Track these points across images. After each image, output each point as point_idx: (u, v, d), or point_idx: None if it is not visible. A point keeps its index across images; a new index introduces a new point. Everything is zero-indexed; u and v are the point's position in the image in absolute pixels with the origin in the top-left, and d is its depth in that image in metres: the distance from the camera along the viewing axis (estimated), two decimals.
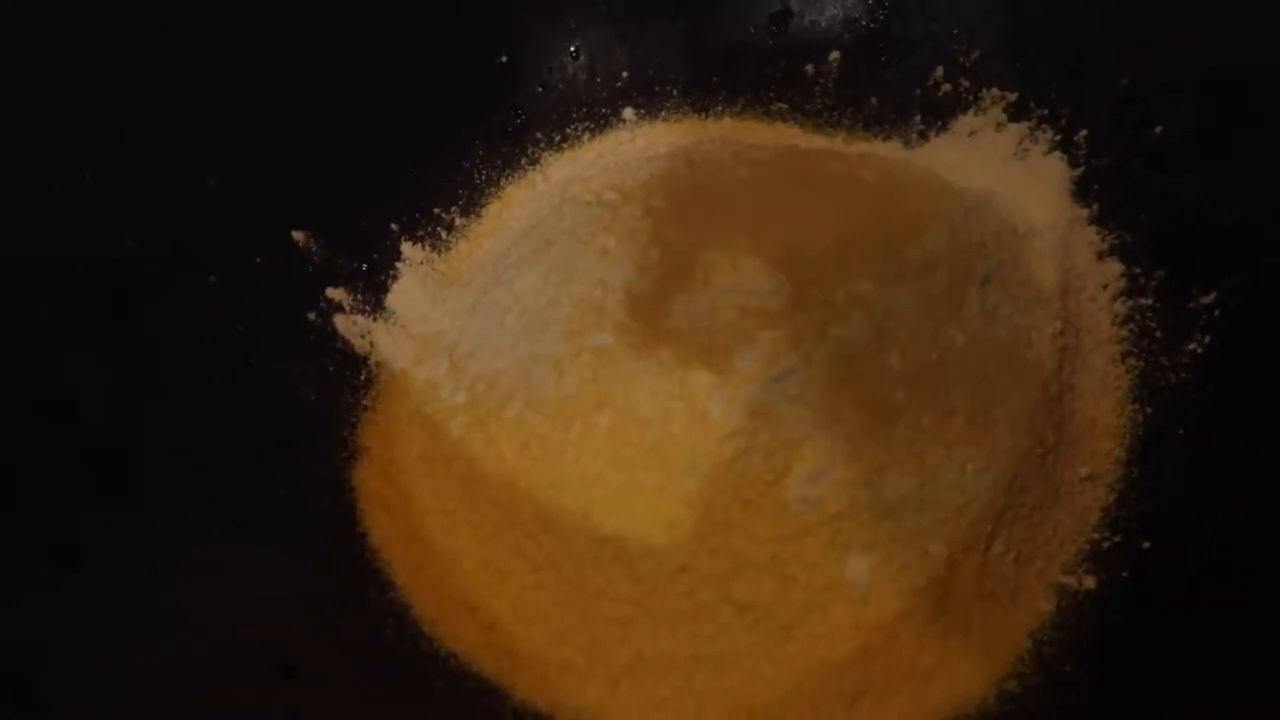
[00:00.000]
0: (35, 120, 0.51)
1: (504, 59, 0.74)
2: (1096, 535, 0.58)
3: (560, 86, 0.76)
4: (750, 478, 0.52)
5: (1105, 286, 0.68)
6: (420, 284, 0.67)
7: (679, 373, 0.54)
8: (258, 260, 0.59)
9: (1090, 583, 0.56)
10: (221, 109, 0.60)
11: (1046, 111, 0.73)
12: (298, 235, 0.62)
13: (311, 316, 0.61)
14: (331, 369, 0.61)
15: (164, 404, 0.50)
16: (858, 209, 0.59)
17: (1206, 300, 0.62)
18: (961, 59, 0.76)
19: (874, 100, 0.77)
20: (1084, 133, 0.71)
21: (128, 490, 0.46)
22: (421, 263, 0.68)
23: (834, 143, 0.78)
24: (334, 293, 0.63)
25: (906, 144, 0.77)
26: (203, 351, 0.54)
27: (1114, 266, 0.68)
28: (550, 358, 0.57)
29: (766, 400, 0.53)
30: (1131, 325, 0.65)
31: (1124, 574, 0.56)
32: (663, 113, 0.79)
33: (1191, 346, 0.62)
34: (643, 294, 0.56)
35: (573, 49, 0.77)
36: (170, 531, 0.46)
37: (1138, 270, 0.67)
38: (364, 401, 0.61)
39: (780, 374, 0.54)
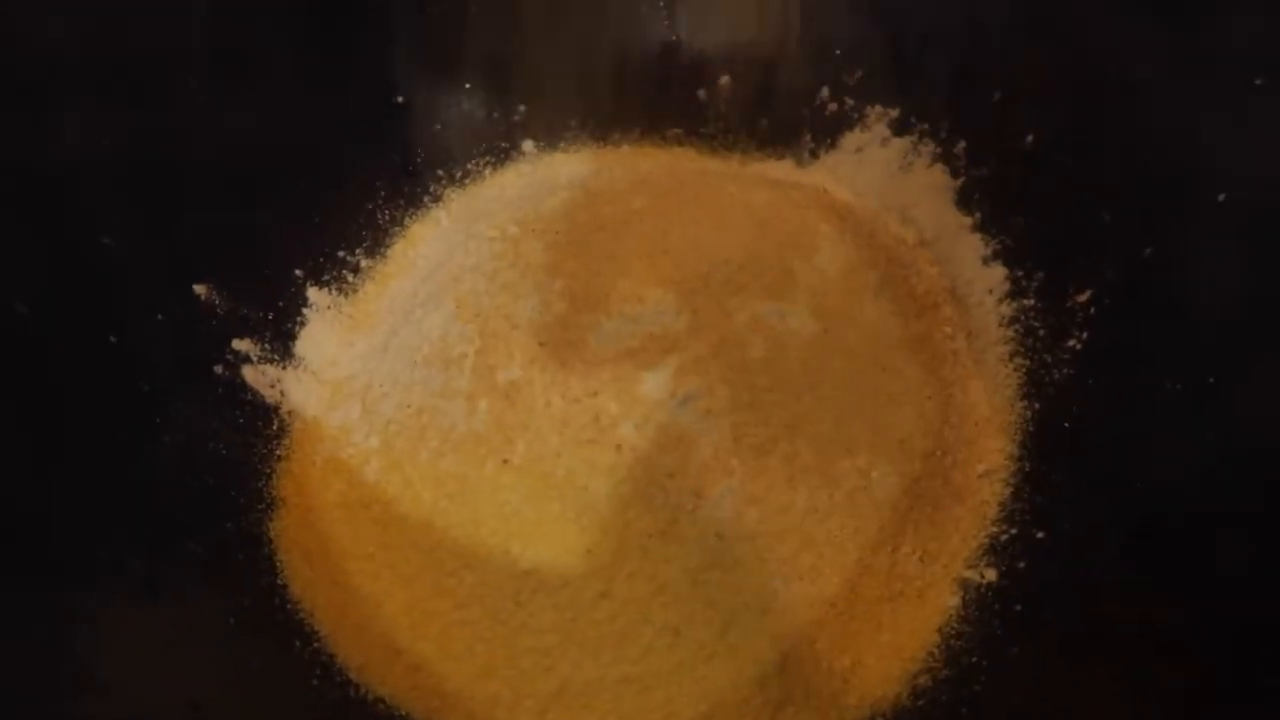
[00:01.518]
0: None
1: (399, 99, 0.74)
2: (995, 529, 0.61)
3: (458, 123, 0.77)
4: (664, 501, 0.54)
5: (991, 290, 0.71)
6: (329, 329, 0.67)
7: (588, 401, 0.55)
8: (159, 317, 0.59)
9: (991, 575, 0.58)
10: (113, 162, 0.59)
11: (927, 126, 0.76)
12: (199, 289, 0.62)
13: (219, 370, 0.61)
14: (242, 421, 0.61)
15: (67, 467, 0.50)
16: (753, 230, 0.61)
17: (1083, 298, 0.65)
18: (845, 78, 0.78)
19: (765, 121, 0.80)
20: (962, 144, 0.74)
21: (31, 556, 0.45)
22: (329, 307, 0.68)
23: (730, 164, 0.80)
24: (240, 344, 0.63)
25: (799, 162, 0.80)
26: (107, 413, 0.53)
27: (998, 270, 0.71)
28: (461, 394, 0.58)
29: (675, 424, 0.55)
30: (1017, 326, 0.69)
31: (1021, 564, 0.59)
32: (561, 143, 0.80)
33: (1072, 343, 0.65)
34: (548, 326, 0.57)
35: (468, 85, 0.77)
36: (77, 597, 0.45)
37: (1020, 273, 0.70)
38: (277, 451, 0.61)
39: (686, 397, 0.55)
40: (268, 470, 0.60)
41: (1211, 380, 0.55)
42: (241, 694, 0.47)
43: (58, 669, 0.42)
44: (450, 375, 0.58)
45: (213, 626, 0.50)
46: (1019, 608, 0.56)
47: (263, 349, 0.64)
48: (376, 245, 0.73)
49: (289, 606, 0.54)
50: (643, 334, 0.56)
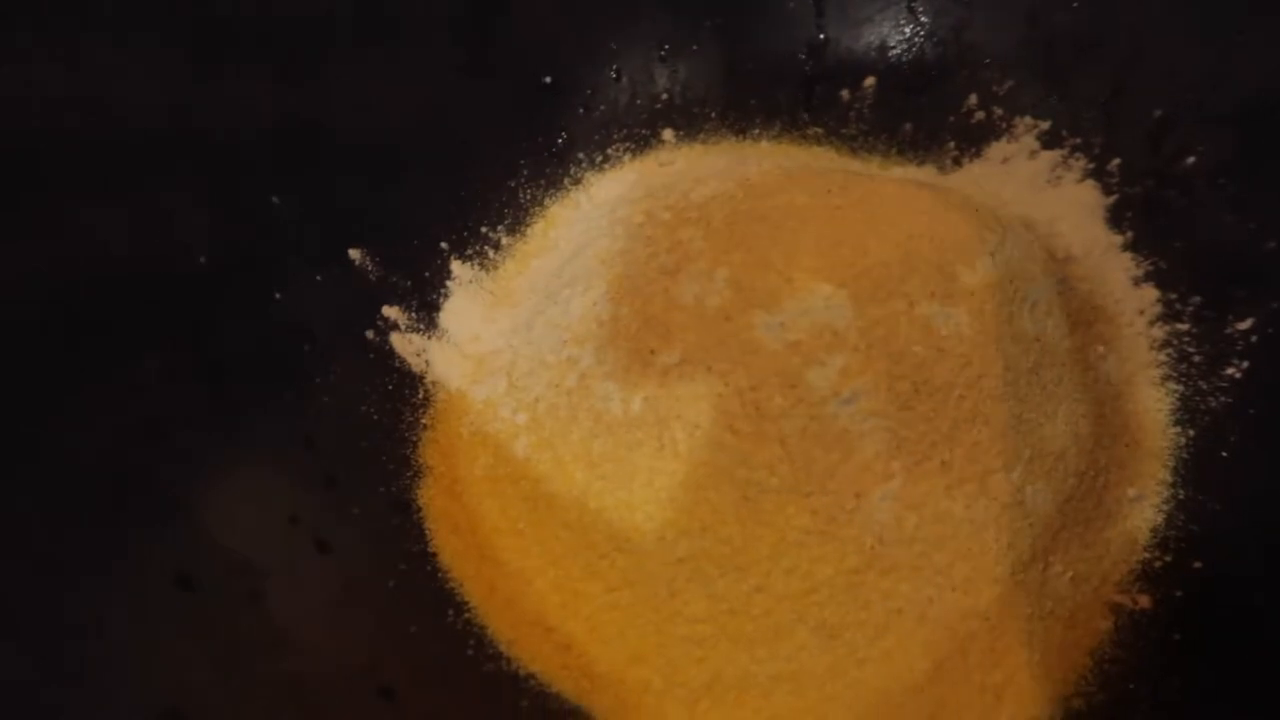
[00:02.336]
0: (110, 138, 0.51)
1: (547, 80, 0.74)
2: (1148, 555, 0.59)
3: (602, 107, 0.77)
4: (823, 499, 0.53)
5: (1142, 312, 0.69)
6: (471, 302, 0.67)
7: (751, 394, 0.54)
8: (319, 278, 0.59)
9: (1145, 601, 0.57)
10: (282, 128, 0.60)
11: (1079, 140, 0.74)
12: (354, 253, 0.62)
13: (370, 335, 0.61)
14: (391, 387, 0.61)
15: (244, 421, 0.50)
16: (915, 231, 0.60)
17: (1243, 326, 0.64)
18: (995, 88, 0.77)
19: (908, 126, 0.79)
20: (1117, 161, 0.73)
21: (220, 508, 0.45)
22: (471, 281, 0.68)
23: (870, 166, 0.79)
24: (390, 311, 0.63)
25: (940, 169, 0.78)
26: (275, 370, 0.54)
27: (1150, 292, 0.69)
28: (616, 377, 0.57)
29: (837, 422, 0.54)
30: (1169, 350, 0.67)
31: (1178, 593, 0.57)
32: (701, 134, 0.80)
33: (1230, 371, 0.63)
34: (710, 314, 0.57)
35: (613, 71, 0.77)
36: (262, 551, 0.45)
37: (1173, 296, 0.68)
38: (423, 420, 0.61)
39: (850, 395, 0.54)
40: (414, 438, 0.60)
41: None
42: (407, 660, 0.47)
43: (259, 631, 0.42)
44: (604, 357, 0.58)
45: (376, 589, 0.50)
46: (1177, 637, 0.55)
47: (410, 318, 0.64)
48: (517, 224, 0.73)
49: (440, 575, 0.53)
50: (810, 329, 0.55)
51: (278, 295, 0.56)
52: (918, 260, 0.59)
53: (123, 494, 0.42)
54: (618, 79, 0.77)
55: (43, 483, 0.40)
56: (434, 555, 0.54)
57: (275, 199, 0.58)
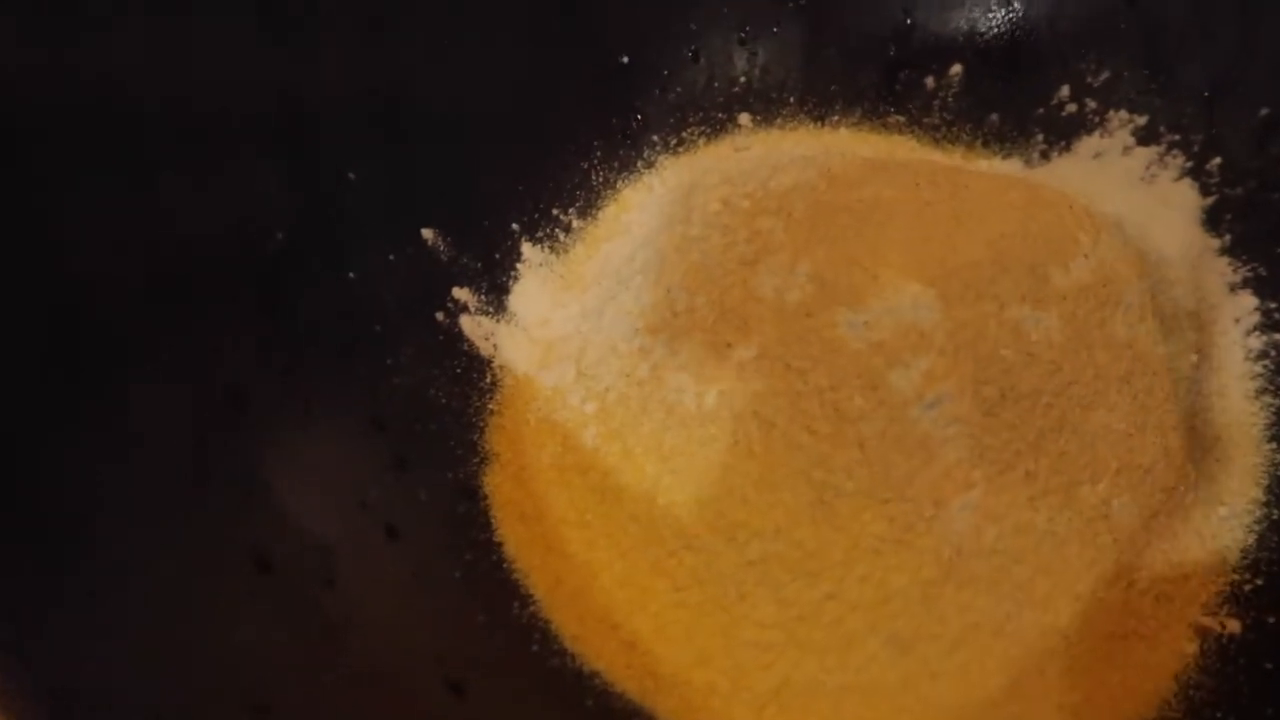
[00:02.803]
0: (188, 113, 0.50)
1: (624, 60, 0.73)
2: (1237, 577, 0.57)
3: (678, 90, 0.75)
4: (901, 507, 0.51)
5: (1238, 320, 0.66)
6: (541, 286, 0.66)
7: (831, 395, 0.52)
8: (391, 257, 0.58)
9: (1234, 626, 0.54)
10: (359, 104, 0.59)
11: (1178, 137, 0.71)
12: (427, 233, 0.61)
13: (440, 317, 0.60)
14: (459, 371, 0.60)
15: (318, 401, 0.49)
16: (1007, 230, 0.58)
17: None
18: (1089, 79, 0.74)
19: (995, 117, 0.76)
20: (1217, 160, 0.69)
21: (297, 489, 0.45)
22: (541, 264, 0.67)
23: (952, 158, 0.76)
24: (460, 293, 0.62)
25: (1027, 163, 0.75)
26: (348, 349, 0.53)
27: (1248, 300, 0.66)
28: (690, 369, 0.56)
29: (919, 427, 0.52)
30: (1267, 361, 0.64)
31: (1270, 619, 0.54)
32: (779, 120, 0.77)
33: None
34: (790, 309, 0.55)
35: (691, 52, 0.75)
36: (333, 538, 0.45)
37: (1273, 305, 0.65)
38: (490, 405, 0.60)
39: (934, 400, 0.52)
40: (481, 423, 0.59)
41: None
42: (474, 653, 0.46)
43: (330, 618, 0.41)
44: (678, 347, 0.57)
45: (443, 578, 0.49)
46: (1269, 666, 0.52)
47: (479, 300, 0.63)
48: (588, 206, 0.72)
49: (505, 565, 0.53)
50: (894, 329, 0.53)
51: (352, 274, 0.55)
52: (1009, 260, 0.56)
53: (203, 467, 0.41)
54: (696, 60, 0.75)
55: (121, 456, 0.39)
56: (500, 544, 0.54)
57: (352, 175, 0.57)
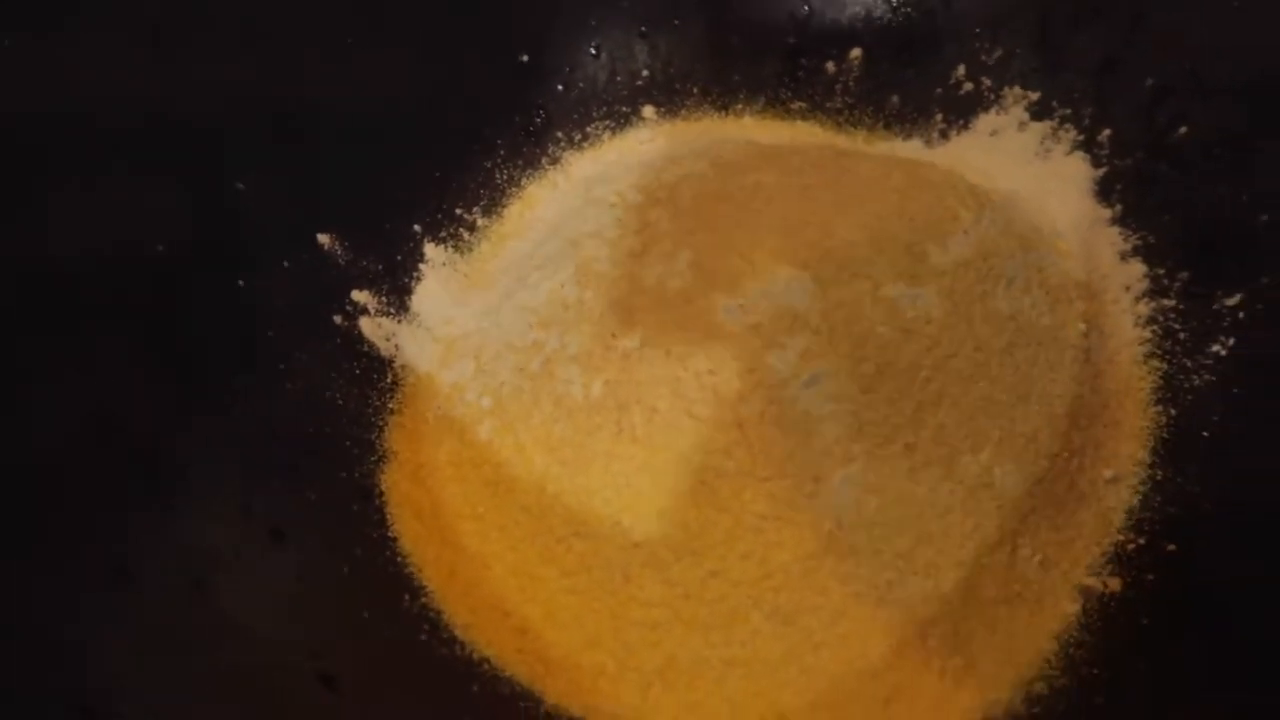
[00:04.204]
0: (68, 124, 0.51)
1: (525, 58, 0.74)
2: (1121, 537, 0.58)
3: (581, 85, 0.76)
4: (782, 484, 0.52)
5: (1128, 288, 0.68)
6: (444, 286, 0.67)
7: (710, 378, 0.54)
8: (285, 264, 0.59)
9: (1115, 585, 0.56)
10: (246, 110, 0.60)
11: (1069, 111, 0.72)
12: (323, 238, 0.62)
13: (338, 320, 0.61)
14: (358, 372, 0.61)
15: (203, 410, 0.50)
16: (884, 211, 0.59)
17: (1231, 302, 0.62)
18: (984, 57, 0.75)
19: (895, 99, 0.77)
20: (1107, 133, 0.71)
21: (171, 500, 0.46)
22: (444, 264, 0.68)
23: (855, 142, 0.77)
24: (359, 295, 0.63)
25: (928, 143, 0.77)
26: (236, 355, 0.54)
27: (1137, 268, 0.68)
28: (579, 361, 0.57)
29: (798, 405, 0.53)
30: (1155, 327, 0.65)
31: (1149, 576, 0.56)
32: (683, 111, 0.79)
33: (1215, 348, 0.62)
34: (672, 297, 0.56)
35: (593, 48, 0.76)
36: (212, 541, 0.46)
37: (1161, 271, 0.67)
38: (390, 405, 0.61)
39: (811, 379, 0.54)
40: (380, 423, 0.60)
41: None
42: (356, 646, 0.47)
43: (202, 619, 0.42)
44: (568, 340, 0.58)
45: (330, 576, 0.50)
46: (1145, 621, 0.54)
47: (380, 302, 0.64)
48: (493, 205, 0.73)
49: (399, 560, 0.54)
50: (771, 311, 0.54)
51: (241, 282, 0.56)
52: (885, 240, 0.58)
53: (68, 482, 0.42)
54: (597, 56, 0.76)
55: None
56: (394, 540, 0.55)
57: (240, 184, 0.58)
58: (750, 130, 0.78)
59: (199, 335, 0.53)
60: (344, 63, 0.66)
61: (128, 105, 0.55)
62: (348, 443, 0.58)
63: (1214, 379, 0.61)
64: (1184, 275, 0.65)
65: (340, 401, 0.59)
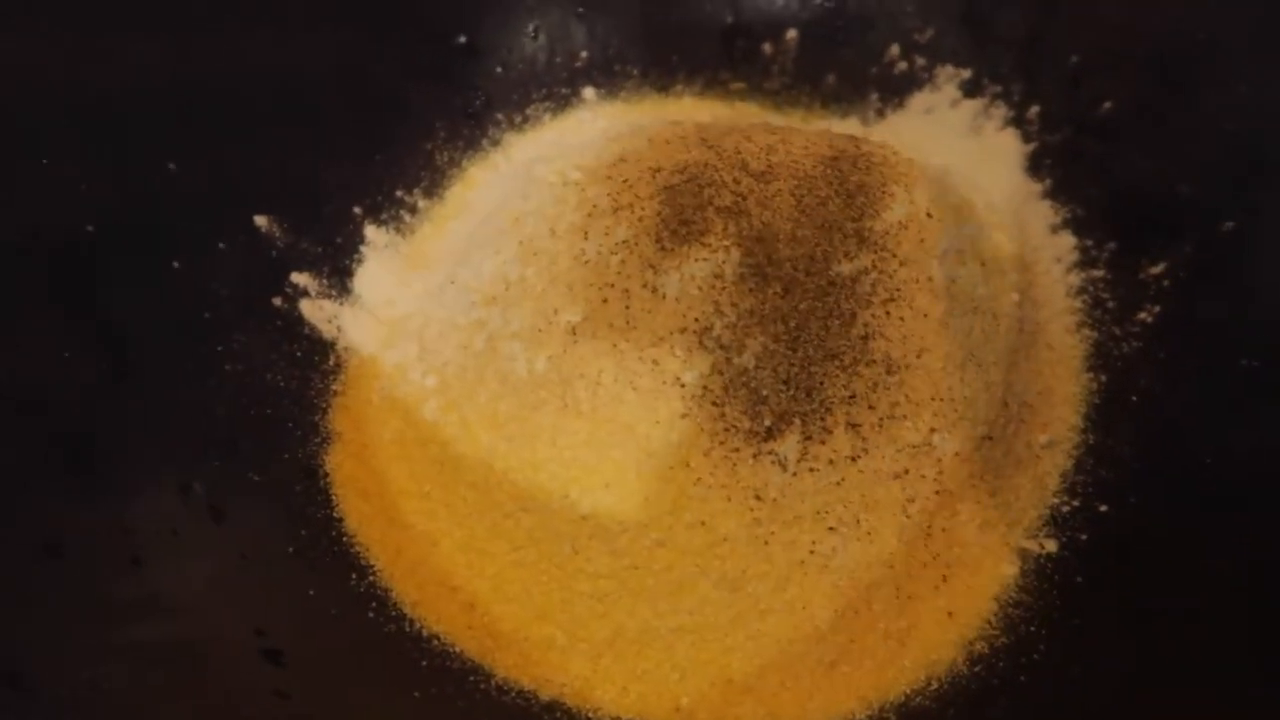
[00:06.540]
0: None
1: (463, 39, 0.74)
2: (1056, 500, 0.60)
3: (520, 67, 0.76)
4: (725, 453, 0.53)
5: (1059, 259, 0.70)
6: (385, 267, 0.67)
7: (651, 350, 0.54)
8: (221, 245, 0.59)
9: (1051, 546, 0.58)
10: (179, 91, 0.59)
11: (1000, 88, 0.74)
12: (260, 220, 0.61)
13: (277, 302, 0.61)
14: (299, 354, 0.60)
15: (136, 391, 0.50)
16: (820, 187, 0.60)
17: (1156, 271, 0.64)
18: (916, 36, 0.77)
19: (831, 78, 0.78)
20: (1036, 109, 0.73)
21: (105, 479, 0.45)
22: (385, 246, 0.68)
23: (793, 120, 0.78)
24: (299, 277, 0.62)
25: (864, 122, 0.78)
26: (172, 338, 0.53)
27: (1067, 240, 0.70)
28: (522, 337, 0.57)
29: (739, 377, 0.54)
30: (1085, 296, 0.67)
31: (1083, 537, 0.58)
32: (623, 93, 0.79)
33: (1142, 316, 0.64)
34: (612, 272, 0.56)
35: (531, 29, 0.76)
36: (150, 520, 0.45)
37: (1090, 243, 0.69)
38: (334, 386, 0.61)
39: (751, 349, 0.54)
40: (324, 404, 0.60)
41: None
42: (302, 623, 0.47)
43: (139, 596, 0.42)
44: (511, 318, 0.58)
45: (274, 555, 0.50)
46: (1080, 580, 0.56)
47: (321, 284, 0.64)
48: (434, 187, 0.73)
49: (345, 539, 0.54)
50: (711, 285, 0.55)
51: (176, 264, 0.55)
52: (820, 214, 0.58)
53: None
54: (535, 37, 0.76)
55: None
56: (339, 521, 0.55)
57: (171, 165, 0.57)
58: (690, 111, 0.79)
59: (132, 316, 0.52)
60: (283, 42, 0.65)
61: (59, 85, 0.54)
62: (290, 424, 0.57)
63: (1141, 345, 0.64)
64: (1111, 246, 0.68)
65: (282, 383, 0.58)
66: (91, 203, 0.52)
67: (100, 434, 0.47)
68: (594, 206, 0.60)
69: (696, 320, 0.54)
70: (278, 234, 0.62)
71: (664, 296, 0.55)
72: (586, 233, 0.58)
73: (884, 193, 0.61)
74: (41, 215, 0.50)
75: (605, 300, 0.55)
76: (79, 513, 0.43)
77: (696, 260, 0.55)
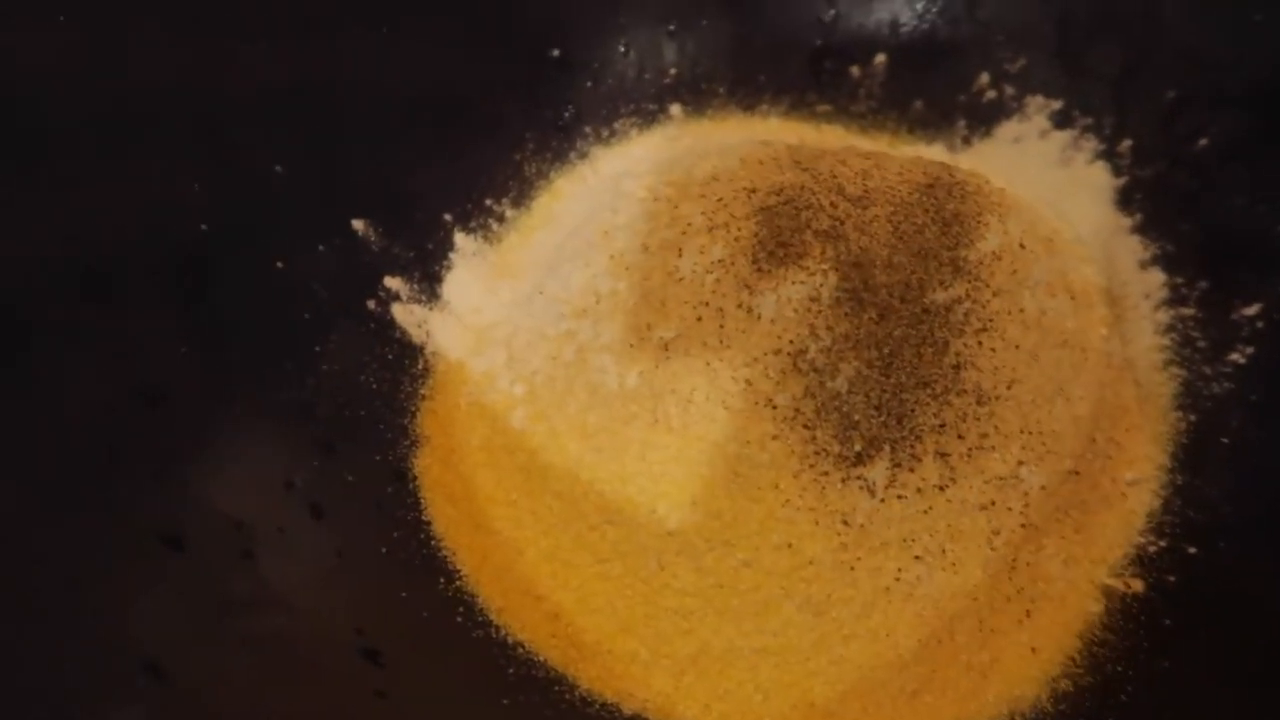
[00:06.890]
0: (112, 105, 0.51)
1: (556, 53, 0.74)
2: (1143, 539, 0.59)
3: (610, 81, 0.77)
4: (814, 476, 0.53)
5: (1148, 295, 0.69)
6: (474, 275, 0.67)
7: (745, 370, 0.54)
8: (320, 247, 0.60)
9: (1138, 586, 0.57)
10: (287, 97, 0.60)
11: (1091, 121, 0.74)
12: (357, 224, 0.62)
13: (371, 305, 0.62)
14: (391, 357, 0.61)
15: (243, 387, 0.51)
16: (913, 214, 0.60)
17: (1250, 312, 0.63)
18: (1007, 65, 0.77)
19: (919, 104, 0.78)
20: (1128, 143, 0.72)
21: (216, 472, 0.46)
22: (474, 254, 0.69)
23: (879, 145, 0.78)
24: (391, 281, 0.63)
25: (950, 149, 0.78)
26: (274, 336, 0.54)
27: (1157, 276, 0.69)
28: (613, 351, 0.57)
29: (832, 400, 0.54)
30: (1174, 334, 0.67)
31: (1171, 578, 0.57)
32: (709, 110, 0.79)
33: (1234, 357, 0.63)
34: (708, 290, 0.57)
35: (622, 45, 0.77)
36: (258, 515, 0.46)
37: (1180, 280, 0.68)
38: (422, 390, 0.62)
39: (845, 374, 0.54)
40: (413, 408, 0.61)
41: None
42: (397, 624, 0.48)
43: (250, 590, 0.43)
44: (602, 330, 0.58)
45: (368, 555, 0.51)
46: (1168, 622, 0.55)
47: (411, 289, 0.65)
48: (521, 197, 0.74)
49: (432, 543, 0.54)
50: (807, 309, 0.55)
51: (279, 264, 0.57)
52: (916, 241, 0.58)
53: (115, 455, 0.42)
54: (626, 53, 0.77)
55: (37, 441, 0.41)
56: (428, 524, 0.55)
57: (279, 168, 0.58)
58: (775, 131, 0.79)
59: (240, 314, 0.53)
60: (381, 54, 0.67)
61: (170, 86, 0.55)
62: (381, 426, 0.58)
63: (1233, 387, 0.63)
64: (1203, 285, 0.67)
65: (374, 385, 0.59)
66: (206, 203, 0.54)
67: (211, 428, 0.48)
68: (688, 224, 0.60)
69: (791, 342, 0.54)
70: (373, 238, 0.63)
71: (759, 317, 0.55)
72: (681, 250, 0.59)
73: (979, 222, 0.60)
74: (161, 215, 0.51)
75: (700, 318, 0.56)
76: (193, 506, 0.44)
77: (793, 283, 0.55)
